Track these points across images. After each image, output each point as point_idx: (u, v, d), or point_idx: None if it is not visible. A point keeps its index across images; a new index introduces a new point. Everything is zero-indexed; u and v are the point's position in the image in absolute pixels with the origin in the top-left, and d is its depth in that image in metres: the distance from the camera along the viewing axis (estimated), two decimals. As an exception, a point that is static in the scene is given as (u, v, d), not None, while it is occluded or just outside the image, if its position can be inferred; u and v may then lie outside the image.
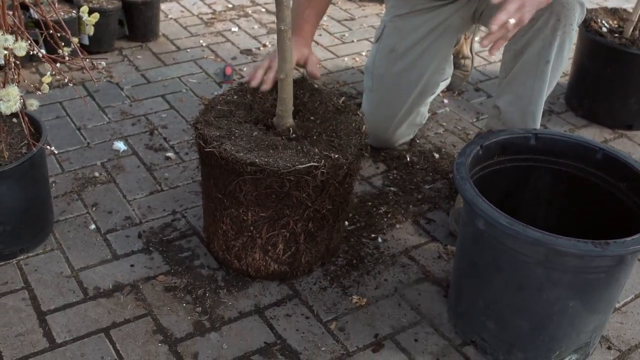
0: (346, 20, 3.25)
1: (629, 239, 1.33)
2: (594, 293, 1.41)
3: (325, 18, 3.23)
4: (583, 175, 1.65)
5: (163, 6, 3.18)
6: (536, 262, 1.36)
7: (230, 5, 3.30)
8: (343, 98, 1.76)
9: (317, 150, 1.51)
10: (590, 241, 1.30)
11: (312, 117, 1.68)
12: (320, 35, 3.07)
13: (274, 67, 1.72)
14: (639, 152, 2.39)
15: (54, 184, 1.98)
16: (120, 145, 2.17)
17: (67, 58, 1.62)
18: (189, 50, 2.83)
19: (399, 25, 2.08)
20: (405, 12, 2.06)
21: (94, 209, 1.90)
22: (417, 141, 2.31)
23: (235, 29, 3.05)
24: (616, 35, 2.47)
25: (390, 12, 2.12)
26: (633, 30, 2.45)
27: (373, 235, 1.88)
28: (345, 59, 2.87)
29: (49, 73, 1.62)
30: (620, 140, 2.46)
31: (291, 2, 1.49)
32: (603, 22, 2.54)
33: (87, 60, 1.64)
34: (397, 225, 1.93)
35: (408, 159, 2.21)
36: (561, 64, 1.81)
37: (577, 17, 1.75)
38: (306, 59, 1.85)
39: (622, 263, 1.37)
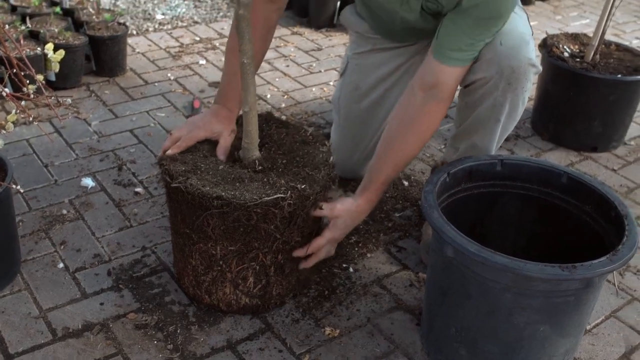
0: (313, 50, 3.28)
1: (595, 261, 1.34)
2: (563, 316, 1.42)
3: (292, 49, 3.26)
4: (550, 199, 1.67)
5: (130, 40, 3.18)
6: (505, 287, 1.37)
7: (197, 38, 3.31)
8: (311, 130, 1.77)
9: (283, 181, 1.52)
10: (557, 265, 1.31)
11: (278, 150, 1.68)
12: (288, 66, 3.09)
13: (191, 136, 1.66)
14: (604, 173, 2.43)
15: (20, 223, 1.95)
16: (88, 182, 2.15)
17: (32, 96, 1.61)
18: (156, 84, 2.83)
19: (360, 63, 2.08)
20: (367, 50, 2.06)
21: (62, 247, 1.88)
22: (386, 169, 2.32)
23: (202, 61, 3.06)
24: (577, 60, 2.51)
25: (352, 48, 2.12)
26: (594, 55, 2.50)
27: (344, 265, 1.88)
28: (313, 89, 2.89)
29: (13, 111, 1.61)
30: (585, 163, 2.50)
31: (247, 36, 1.47)
32: (564, 47, 2.59)
33: (53, 97, 1.63)
34: (368, 255, 1.93)
35: (378, 187, 2.21)
36: (514, 120, 1.81)
37: (530, 78, 1.73)
38: (218, 136, 1.68)
39: (590, 286, 1.39)
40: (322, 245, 1.67)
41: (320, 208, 1.59)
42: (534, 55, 1.72)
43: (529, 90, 1.76)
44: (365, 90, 2.07)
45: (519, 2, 1.80)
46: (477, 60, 1.66)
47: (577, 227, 1.62)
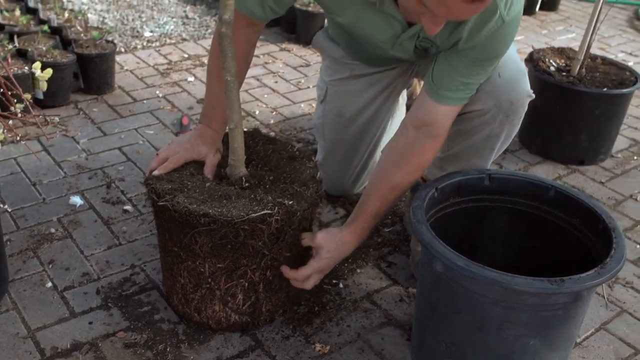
0: (301, 66, 3.29)
1: (583, 275, 1.34)
2: (553, 330, 1.42)
3: (280, 65, 3.27)
4: (538, 212, 1.67)
5: (118, 58, 3.18)
6: (494, 301, 1.37)
7: (185, 55, 3.31)
8: (298, 146, 1.77)
9: (270, 198, 1.52)
10: (545, 279, 1.31)
11: (265, 166, 1.68)
12: (277, 82, 3.09)
13: (177, 157, 1.65)
14: (591, 186, 2.44)
15: (8, 242, 1.94)
16: (76, 200, 2.14)
17: (19, 115, 1.61)
18: (145, 101, 2.83)
19: (340, 90, 2.05)
20: (345, 77, 2.03)
21: (50, 266, 1.87)
22: (375, 184, 2.32)
23: (191, 78, 3.06)
24: (564, 73, 2.53)
25: (329, 74, 2.08)
26: (580, 69, 2.52)
27: (334, 281, 1.87)
28: (302, 105, 2.89)
29: (1, 130, 1.61)
30: (573, 176, 2.51)
31: (230, 54, 1.47)
32: (551, 61, 2.61)
33: (40, 116, 1.64)
34: (358, 270, 1.93)
35: (367, 202, 2.22)
36: (507, 144, 1.80)
37: (526, 108, 1.71)
38: (204, 158, 1.68)
39: (578, 299, 1.38)
40: (308, 275, 1.64)
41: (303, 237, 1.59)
42: (529, 85, 1.70)
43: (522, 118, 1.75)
44: (350, 117, 2.05)
45: None
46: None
47: (565, 240, 1.63)
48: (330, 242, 1.66)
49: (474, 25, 1.46)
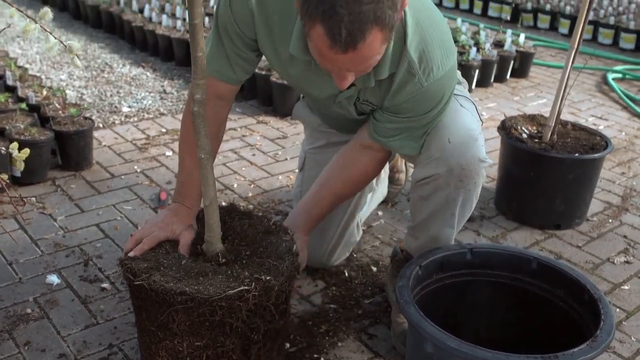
0: (279, 138, 3.32)
1: (576, 349, 1.35)
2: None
3: (258, 137, 3.30)
4: (521, 285, 1.68)
5: (96, 134, 3.20)
6: (488, 380, 1.35)
7: (163, 130, 3.34)
8: (274, 219, 1.78)
9: (247, 273, 1.51)
10: (539, 356, 1.31)
11: (242, 241, 1.68)
12: (254, 154, 3.12)
13: (152, 238, 1.65)
14: (569, 250, 2.46)
15: (-17, 325, 1.91)
16: (53, 279, 2.12)
17: (-5, 196, 1.61)
18: (123, 177, 2.83)
19: (318, 158, 2.08)
20: (323, 144, 2.07)
21: (26, 348, 1.84)
22: (355, 255, 2.32)
23: (169, 153, 3.08)
24: (536, 140, 2.58)
25: (308, 142, 2.13)
26: (551, 135, 2.57)
27: (315, 356, 1.85)
28: (280, 177, 2.91)
29: (-25, 212, 1.60)
30: (550, 241, 2.53)
31: (203, 132, 1.48)
32: (523, 128, 2.66)
33: (16, 197, 1.64)
34: (339, 344, 1.91)
35: (346, 274, 2.21)
36: (469, 210, 1.82)
37: (481, 173, 1.74)
38: (179, 236, 1.68)
39: (571, 373, 1.38)
40: None
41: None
42: (483, 151, 1.72)
43: (482, 183, 1.77)
44: None
45: (466, 93, 1.81)
46: (428, 157, 1.70)
47: (550, 311, 1.63)
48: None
49: (397, 84, 1.59)
